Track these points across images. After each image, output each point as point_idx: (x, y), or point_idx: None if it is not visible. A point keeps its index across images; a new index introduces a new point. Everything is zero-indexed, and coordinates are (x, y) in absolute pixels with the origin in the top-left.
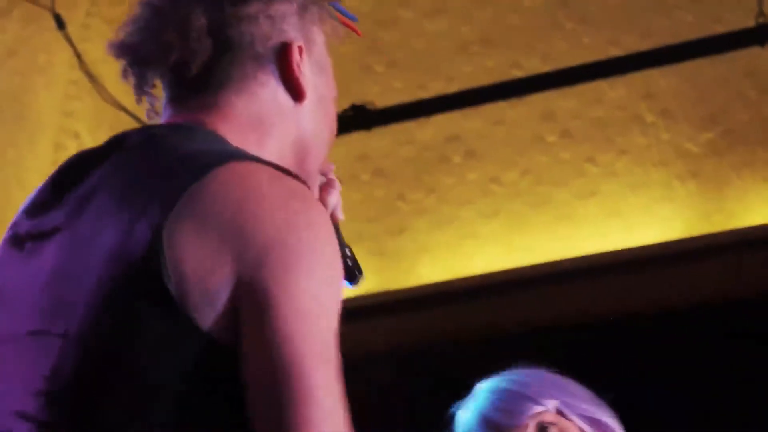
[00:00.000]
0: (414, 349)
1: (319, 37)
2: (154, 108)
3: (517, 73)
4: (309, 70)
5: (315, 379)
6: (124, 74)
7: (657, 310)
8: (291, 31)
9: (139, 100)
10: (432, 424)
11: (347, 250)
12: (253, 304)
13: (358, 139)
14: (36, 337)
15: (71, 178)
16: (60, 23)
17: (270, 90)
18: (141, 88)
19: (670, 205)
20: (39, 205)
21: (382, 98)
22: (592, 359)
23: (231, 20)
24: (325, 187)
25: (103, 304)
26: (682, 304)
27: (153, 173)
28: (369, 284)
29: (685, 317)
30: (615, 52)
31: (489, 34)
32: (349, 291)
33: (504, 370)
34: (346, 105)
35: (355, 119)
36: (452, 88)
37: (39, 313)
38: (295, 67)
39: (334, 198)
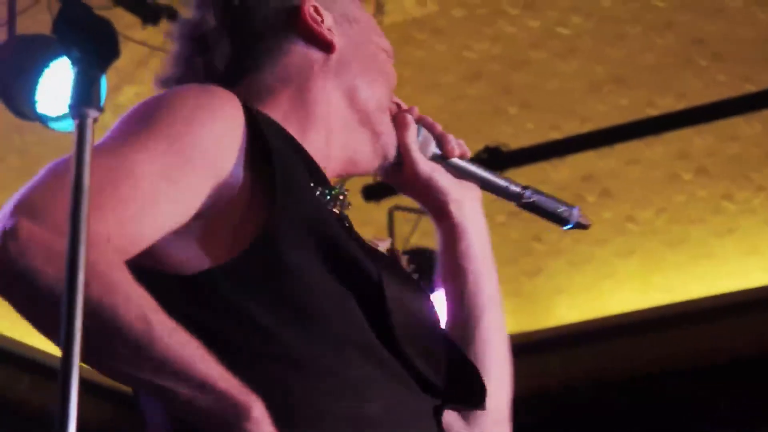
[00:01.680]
0: (553, 391)
1: None
2: None
3: (652, 112)
4: (333, 21)
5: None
6: None
7: None
8: None
9: None
10: None
11: (527, 192)
12: None
13: None
14: None
15: None
16: None
17: (296, 52)
18: None
19: None
20: None
21: (515, 140)
22: (737, 399)
23: (240, 16)
24: (397, 129)
25: None
26: None
27: None
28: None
29: None
30: (750, 88)
31: (622, 73)
32: None
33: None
34: (479, 147)
35: (489, 161)
36: (586, 127)
37: None
38: (311, 23)
39: (412, 134)
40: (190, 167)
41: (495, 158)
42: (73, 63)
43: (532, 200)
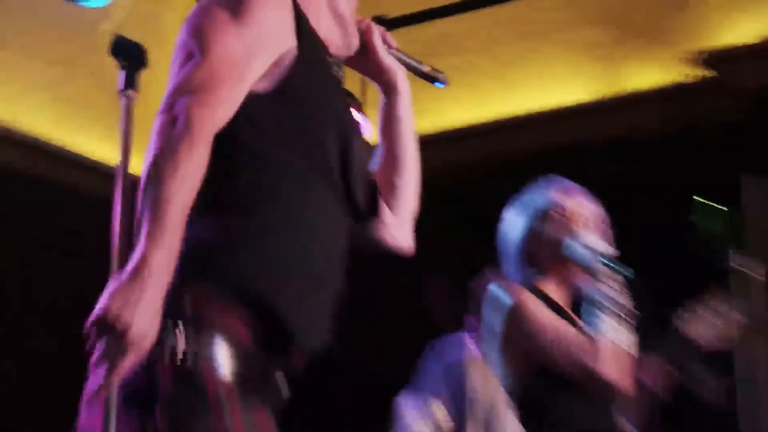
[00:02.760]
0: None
1: None
2: None
3: None
4: None
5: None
6: None
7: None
8: None
9: None
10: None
11: (412, 62)
12: None
13: None
14: None
15: None
16: None
17: None
18: None
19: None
20: None
21: None
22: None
23: None
24: (366, 33)
25: None
26: None
27: None
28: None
29: None
30: None
31: None
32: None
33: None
34: None
35: None
36: None
37: None
38: None
39: (377, 37)
40: (268, 43)
41: None
42: (121, 67)
43: (435, 76)
